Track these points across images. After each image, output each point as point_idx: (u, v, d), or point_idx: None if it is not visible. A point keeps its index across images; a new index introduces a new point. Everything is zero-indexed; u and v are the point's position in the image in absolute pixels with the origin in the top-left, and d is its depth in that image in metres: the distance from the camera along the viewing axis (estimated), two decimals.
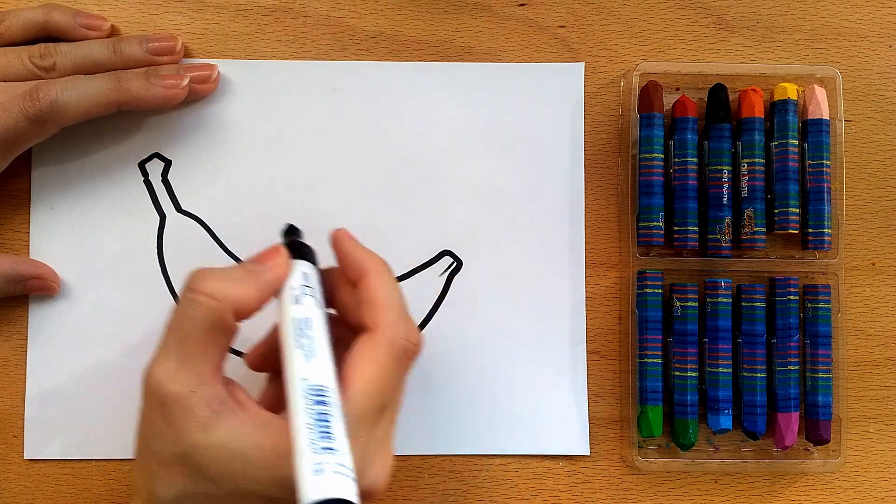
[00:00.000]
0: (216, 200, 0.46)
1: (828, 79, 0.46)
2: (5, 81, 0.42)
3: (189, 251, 0.45)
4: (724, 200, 0.45)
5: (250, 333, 0.38)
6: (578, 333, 0.46)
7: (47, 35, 0.44)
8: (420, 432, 0.45)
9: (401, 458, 0.45)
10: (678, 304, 0.45)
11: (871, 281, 0.47)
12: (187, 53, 0.46)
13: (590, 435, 0.46)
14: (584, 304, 0.46)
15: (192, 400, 0.32)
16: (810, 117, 0.46)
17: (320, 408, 0.31)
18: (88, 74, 0.42)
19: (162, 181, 0.46)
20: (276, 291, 0.35)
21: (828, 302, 0.45)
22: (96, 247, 0.45)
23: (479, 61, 0.47)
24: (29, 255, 0.45)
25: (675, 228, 0.45)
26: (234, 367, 0.40)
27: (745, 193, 0.45)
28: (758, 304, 0.45)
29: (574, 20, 0.47)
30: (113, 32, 0.45)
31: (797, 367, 0.45)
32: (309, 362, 0.33)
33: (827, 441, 0.45)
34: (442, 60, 0.47)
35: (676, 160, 0.45)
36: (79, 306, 0.45)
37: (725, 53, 0.48)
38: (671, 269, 0.46)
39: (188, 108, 0.45)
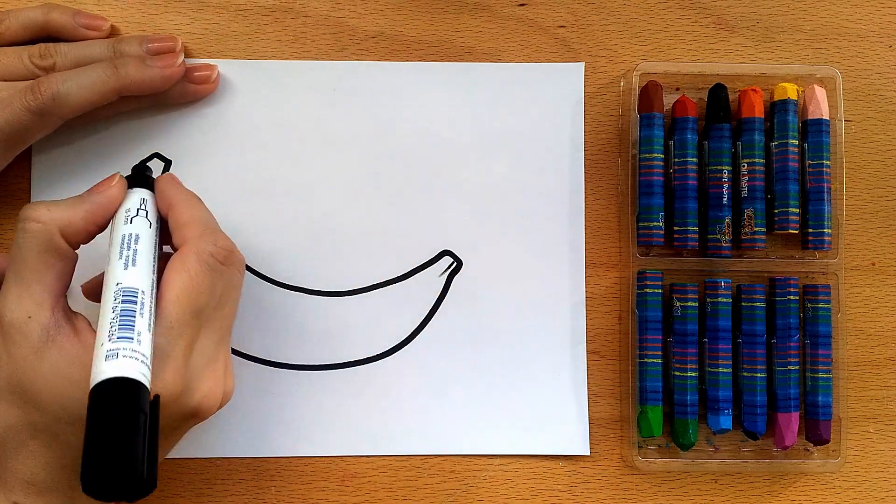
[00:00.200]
0: (216, 200, 0.45)
1: (828, 79, 0.46)
2: (5, 81, 0.42)
3: None
4: (724, 200, 0.45)
5: None
6: (578, 333, 0.46)
7: (47, 35, 0.44)
8: (420, 432, 0.45)
9: (401, 458, 0.45)
10: (678, 304, 0.45)
11: (871, 281, 0.47)
12: (187, 53, 0.45)
13: (590, 435, 0.46)
14: (584, 304, 0.46)
15: (29, 325, 0.34)
16: (810, 117, 0.46)
17: (127, 306, 0.33)
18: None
19: None
20: (107, 213, 0.37)
21: (828, 302, 0.45)
22: (96, 247, 0.45)
23: (479, 61, 0.47)
24: None
25: (675, 228, 0.45)
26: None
27: (745, 193, 0.45)
28: (758, 304, 0.45)
29: (574, 20, 0.47)
30: (113, 32, 0.45)
31: (797, 367, 0.45)
32: (127, 270, 0.34)
33: (827, 441, 0.45)
34: (442, 60, 0.47)
35: (676, 160, 0.45)
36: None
37: (725, 53, 0.48)
38: (671, 269, 0.46)
39: (188, 108, 0.45)
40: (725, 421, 0.45)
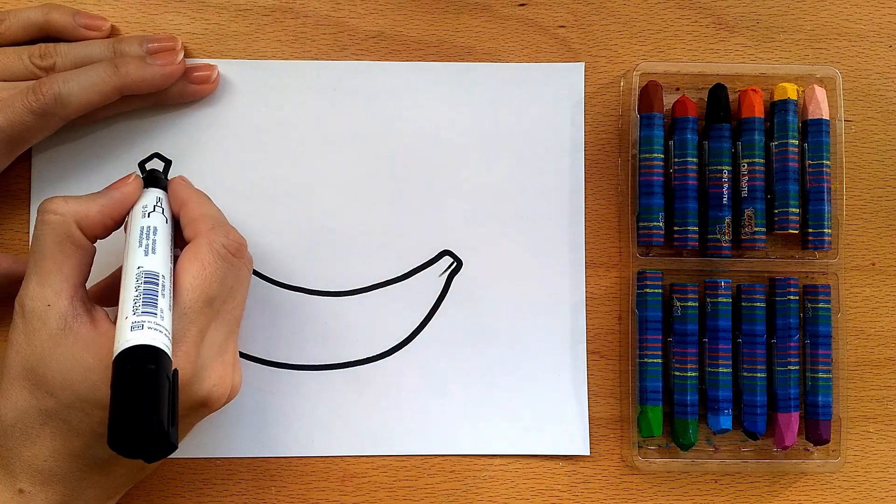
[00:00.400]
0: (216, 200, 0.45)
1: (828, 79, 0.46)
2: (5, 81, 0.42)
3: None
4: (724, 200, 0.45)
5: None
6: (578, 333, 0.46)
7: (47, 35, 0.44)
8: (420, 432, 0.45)
9: (401, 458, 0.45)
10: (678, 304, 0.45)
11: (871, 281, 0.47)
12: (187, 53, 0.45)
13: (590, 435, 0.46)
14: (584, 304, 0.46)
15: (48, 313, 0.35)
16: (810, 117, 0.46)
17: (150, 287, 0.33)
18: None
19: None
20: (123, 209, 0.38)
21: (828, 302, 0.45)
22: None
23: (479, 61, 0.47)
24: None
25: (675, 228, 0.45)
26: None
27: (745, 193, 0.45)
28: (758, 304, 0.45)
29: (574, 20, 0.47)
30: (113, 32, 0.45)
31: (797, 367, 0.45)
32: (147, 256, 0.35)
33: (827, 441, 0.45)
34: (442, 60, 0.47)
35: (676, 160, 0.45)
36: None
37: (725, 53, 0.48)
38: (671, 269, 0.46)
39: (188, 108, 0.45)
40: (725, 421, 0.45)
